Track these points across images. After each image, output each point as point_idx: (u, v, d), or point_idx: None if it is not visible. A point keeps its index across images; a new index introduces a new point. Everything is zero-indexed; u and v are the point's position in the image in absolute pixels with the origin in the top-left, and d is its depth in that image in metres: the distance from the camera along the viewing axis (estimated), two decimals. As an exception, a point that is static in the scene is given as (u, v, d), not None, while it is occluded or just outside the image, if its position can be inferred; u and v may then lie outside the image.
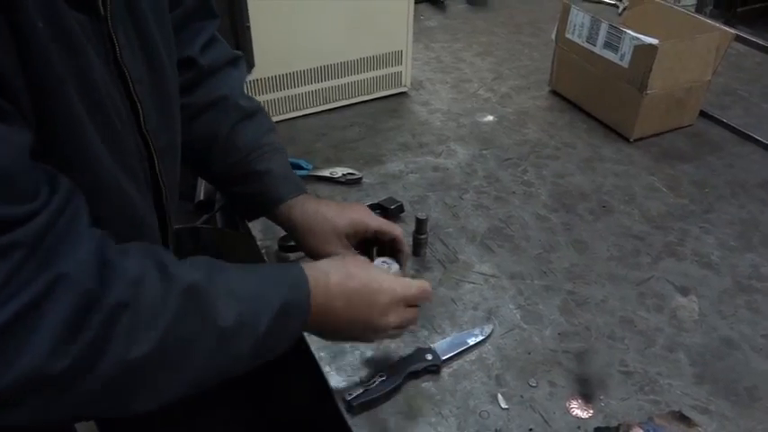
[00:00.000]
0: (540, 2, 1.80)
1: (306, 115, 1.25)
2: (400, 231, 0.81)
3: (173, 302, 0.51)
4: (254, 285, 0.58)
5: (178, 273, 0.52)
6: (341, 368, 0.78)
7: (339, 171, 1.09)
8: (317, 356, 0.79)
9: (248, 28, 1.08)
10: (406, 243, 0.82)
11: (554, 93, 1.37)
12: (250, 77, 1.13)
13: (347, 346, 0.80)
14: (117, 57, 0.58)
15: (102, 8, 0.55)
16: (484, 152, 1.18)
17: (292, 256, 0.93)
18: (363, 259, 0.72)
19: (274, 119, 1.21)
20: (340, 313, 0.64)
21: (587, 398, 0.75)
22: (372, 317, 0.66)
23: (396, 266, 0.85)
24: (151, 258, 0.53)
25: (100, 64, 0.56)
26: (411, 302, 0.70)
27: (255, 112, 0.84)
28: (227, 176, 0.82)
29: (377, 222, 0.80)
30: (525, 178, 1.12)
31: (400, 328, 0.70)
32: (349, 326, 0.66)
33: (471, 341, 0.81)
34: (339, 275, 0.64)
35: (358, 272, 0.66)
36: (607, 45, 1.20)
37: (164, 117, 0.66)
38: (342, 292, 0.64)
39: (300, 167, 1.09)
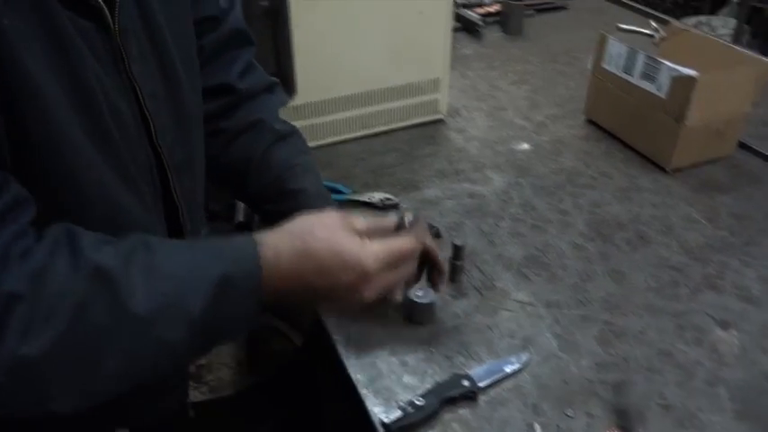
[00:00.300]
0: (576, 32, 1.82)
1: (345, 141, 1.28)
2: (438, 252, 0.81)
3: (79, 290, 0.46)
4: (186, 261, 0.51)
5: (90, 256, 0.48)
6: (378, 391, 0.78)
7: (377, 196, 1.10)
8: (353, 378, 0.80)
9: (291, 55, 1.12)
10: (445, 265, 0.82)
11: (590, 122, 1.38)
12: (292, 103, 1.16)
13: (383, 368, 0.81)
14: (126, 68, 0.58)
15: (110, 19, 0.55)
16: (520, 180, 1.19)
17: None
18: (335, 215, 0.62)
19: (314, 143, 1.24)
20: (300, 294, 0.57)
21: (626, 430, 0.74)
22: (339, 296, 0.59)
23: (432, 294, 0.86)
24: (67, 243, 0.48)
25: (103, 72, 0.55)
26: (391, 267, 0.63)
27: (290, 135, 0.86)
28: (262, 196, 0.84)
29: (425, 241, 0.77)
30: (562, 207, 1.12)
31: (388, 291, 0.65)
32: (317, 302, 0.62)
33: (508, 369, 0.81)
34: (292, 254, 0.55)
35: (317, 245, 0.56)
36: (644, 75, 1.21)
37: (180, 132, 0.66)
38: (297, 274, 0.56)
39: (339, 192, 1.12)
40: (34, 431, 0.67)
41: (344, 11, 1.11)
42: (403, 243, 0.65)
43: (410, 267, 0.68)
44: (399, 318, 0.88)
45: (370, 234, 0.64)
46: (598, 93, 1.34)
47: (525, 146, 1.30)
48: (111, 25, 0.55)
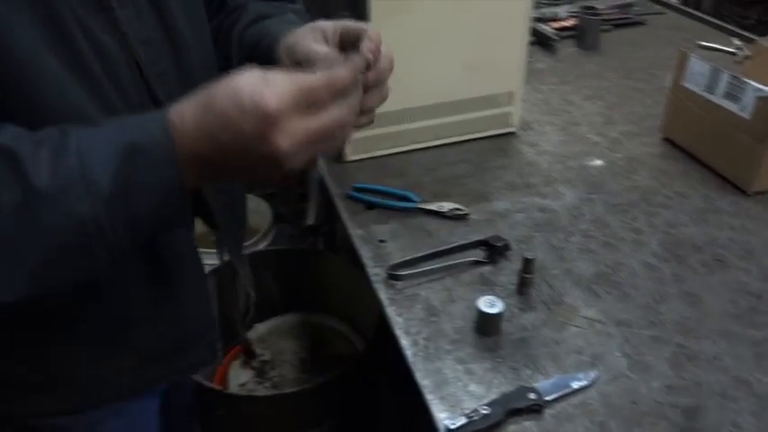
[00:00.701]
0: (654, 48, 1.78)
1: (417, 150, 1.30)
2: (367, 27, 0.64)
3: None
4: (93, 135, 0.48)
5: (2, 142, 0.46)
6: (443, 398, 0.80)
7: (446, 206, 1.12)
8: (420, 384, 0.81)
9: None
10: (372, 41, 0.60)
11: (666, 140, 1.35)
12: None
13: (449, 375, 0.82)
14: (112, 14, 0.56)
15: None
16: (592, 196, 1.18)
17: (399, 284, 0.96)
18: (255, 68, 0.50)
19: (387, 151, 1.26)
20: (215, 159, 0.48)
21: (697, 456, 0.73)
22: (251, 156, 0.48)
23: (500, 305, 0.87)
24: None
25: (81, 7, 0.53)
26: (305, 108, 0.48)
27: (277, 13, 0.75)
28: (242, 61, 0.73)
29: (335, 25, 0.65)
30: (635, 225, 1.10)
31: (316, 142, 0.49)
32: (237, 170, 0.50)
33: (575, 385, 0.81)
34: (195, 109, 0.48)
35: (217, 94, 0.48)
36: (727, 95, 1.18)
37: (188, 85, 0.57)
38: (205, 132, 0.47)
39: (409, 199, 1.14)
40: (72, 390, 0.73)
41: (423, 25, 1.14)
42: (320, 78, 0.48)
43: (340, 110, 0.50)
44: (467, 326, 0.89)
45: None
46: (676, 111, 1.31)
47: (598, 162, 1.28)
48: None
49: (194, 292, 0.81)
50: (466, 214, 1.11)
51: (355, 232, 1.08)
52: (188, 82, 0.62)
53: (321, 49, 0.61)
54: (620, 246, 1.06)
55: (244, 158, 0.48)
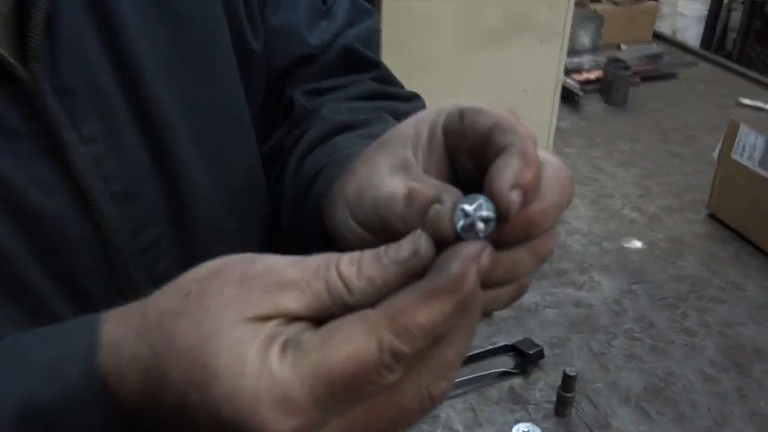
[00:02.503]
0: (689, 104, 1.78)
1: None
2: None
3: None
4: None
5: None
6: None
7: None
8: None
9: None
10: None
11: (713, 217, 1.33)
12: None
13: None
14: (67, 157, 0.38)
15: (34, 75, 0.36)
16: (633, 287, 1.14)
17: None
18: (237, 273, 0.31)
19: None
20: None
21: None
22: None
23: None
24: None
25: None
26: (346, 399, 0.28)
27: (366, 121, 0.49)
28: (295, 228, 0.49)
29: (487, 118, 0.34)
30: (686, 324, 1.06)
31: None
32: None
33: None
34: (138, 373, 0.31)
35: (173, 370, 0.29)
36: (786, 172, 1.16)
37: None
38: (151, 407, 0.31)
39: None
40: None
41: (447, 89, 1.11)
42: (360, 346, 0.27)
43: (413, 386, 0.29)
44: (498, 460, 0.83)
45: (317, 312, 0.30)
46: (725, 186, 1.29)
47: (638, 244, 1.25)
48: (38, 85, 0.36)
49: None
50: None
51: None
52: (196, 251, 0.43)
53: (398, 186, 0.33)
54: (670, 351, 1.01)
55: None
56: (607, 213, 1.34)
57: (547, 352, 0.99)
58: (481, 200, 0.30)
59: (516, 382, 0.95)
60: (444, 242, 0.30)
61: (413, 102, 0.56)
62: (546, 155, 0.33)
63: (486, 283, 0.31)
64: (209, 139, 0.46)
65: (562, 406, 0.89)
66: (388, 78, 0.57)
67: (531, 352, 0.96)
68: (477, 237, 0.30)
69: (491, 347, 0.98)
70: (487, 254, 0.29)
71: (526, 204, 0.30)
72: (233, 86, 0.49)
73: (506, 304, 0.35)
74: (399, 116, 0.46)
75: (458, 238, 0.30)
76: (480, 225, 0.30)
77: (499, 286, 0.33)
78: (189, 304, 0.31)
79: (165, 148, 0.42)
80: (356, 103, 0.52)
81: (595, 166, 1.50)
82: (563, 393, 0.89)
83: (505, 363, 0.97)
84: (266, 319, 0.29)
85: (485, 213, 0.30)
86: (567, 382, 0.88)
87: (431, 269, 0.29)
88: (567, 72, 1.84)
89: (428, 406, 0.30)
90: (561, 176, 0.32)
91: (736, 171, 1.25)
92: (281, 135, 0.53)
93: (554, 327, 1.05)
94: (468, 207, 0.30)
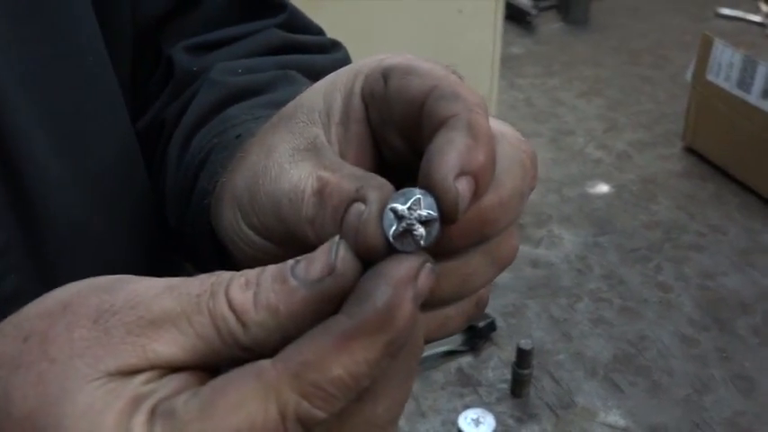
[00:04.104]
0: (661, 19, 1.75)
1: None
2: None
3: None
4: None
5: None
6: None
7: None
8: None
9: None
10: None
11: (690, 151, 1.31)
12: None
13: None
14: None
15: None
16: (600, 240, 1.12)
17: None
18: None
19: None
20: None
21: None
22: None
23: (490, 420, 0.81)
24: None
25: None
26: None
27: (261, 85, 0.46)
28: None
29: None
30: (660, 279, 1.05)
31: None
32: None
33: None
34: None
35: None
36: (766, 94, 1.14)
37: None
38: None
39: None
40: None
41: (357, 13, 1.04)
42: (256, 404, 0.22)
43: None
44: (444, 456, 0.81)
45: (203, 358, 0.25)
46: (702, 113, 1.26)
47: (604, 188, 1.23)
48: None
49: None
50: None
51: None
52: (53, 259, 0.39)
53: (305, 178, 0.29)
54: (643, 311, 1.00)
55: None
56: (568, 154, 1.32)
57: (500, 323, 0.97)
58: (418, 194, 0.24)
59: (465, 361, 0.93)
60: (371, 254, 0.24)
61: (332, 52, 0.49)
62: (500, 125, 0.27)
63: (431, 302, 0.26)
64: (57, 115, 0.40)
65: (518, 385, 0.87)
66: (298, 23, 0.49)
67: (480, 325, 0.94)
68: (416, 245, 0.23)
69: (434, 323, 0.95)
70: (427, 272, 0.23)
71: (478, 196, 0.25)
72: (86, 42, 0.41)
73: (460, 327, 0.29)
74: (315, 74, 0.40)
75: (389, 247, 0.24)
76: (419, 230, 0.23)
77: (448, 304, 0.28)
78: (29, 353, 0.26)
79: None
80: (256, 59, 0.46)
81: (553, 98, 1.47)
82: (518, 371, 0.87)
83: (451, 340, 0.94)
84: (131, 373, 0.24)
85: (424, 213, 0.23)
86: (523, 358, 0.86)
87: (352, 294, 0.24)
88: (519, -12, 1.79)
89: None
90: (521, 154, 0.26)
91: (713, 94, 1.22)
92: (160, 106, 0.47)
93: (507, 293, 1.02)
94: (400, 207, 0.24)
